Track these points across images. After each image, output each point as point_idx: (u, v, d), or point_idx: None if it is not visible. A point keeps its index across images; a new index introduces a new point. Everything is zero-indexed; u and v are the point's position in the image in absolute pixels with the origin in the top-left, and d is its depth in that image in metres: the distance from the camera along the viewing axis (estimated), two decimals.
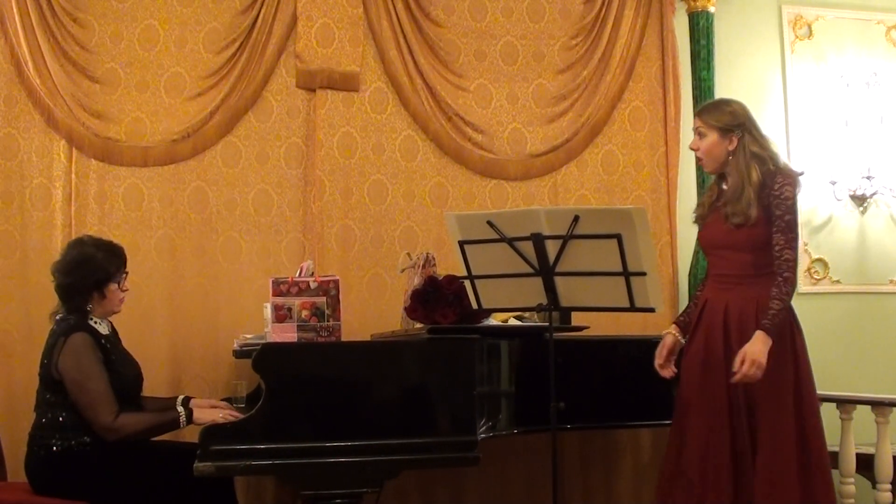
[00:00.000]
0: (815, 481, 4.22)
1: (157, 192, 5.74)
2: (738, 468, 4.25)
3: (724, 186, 4.46)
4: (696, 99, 6.32)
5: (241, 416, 4.53)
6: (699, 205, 4.66)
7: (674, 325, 4.57)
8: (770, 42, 6.90)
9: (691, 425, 4.36)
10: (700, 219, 4.59)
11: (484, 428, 4.41)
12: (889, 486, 5.04)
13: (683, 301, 6.22)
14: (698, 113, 4.56)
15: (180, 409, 4.54)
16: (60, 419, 4.38)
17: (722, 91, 6.35)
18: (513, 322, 5.01)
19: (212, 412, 4.55)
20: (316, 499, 4.22)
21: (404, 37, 6.09)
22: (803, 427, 4.25)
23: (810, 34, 6.96)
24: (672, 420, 4.53)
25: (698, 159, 4.61)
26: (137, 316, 5.50)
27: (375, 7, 6.08)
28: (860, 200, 6.80)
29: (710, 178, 6.05)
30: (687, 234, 6.29)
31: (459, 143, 6.16)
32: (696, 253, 6.18)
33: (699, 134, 4.46)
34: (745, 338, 4.18)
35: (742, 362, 4.08)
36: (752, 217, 4.29)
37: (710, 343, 4.35)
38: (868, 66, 6.95)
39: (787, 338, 4.27)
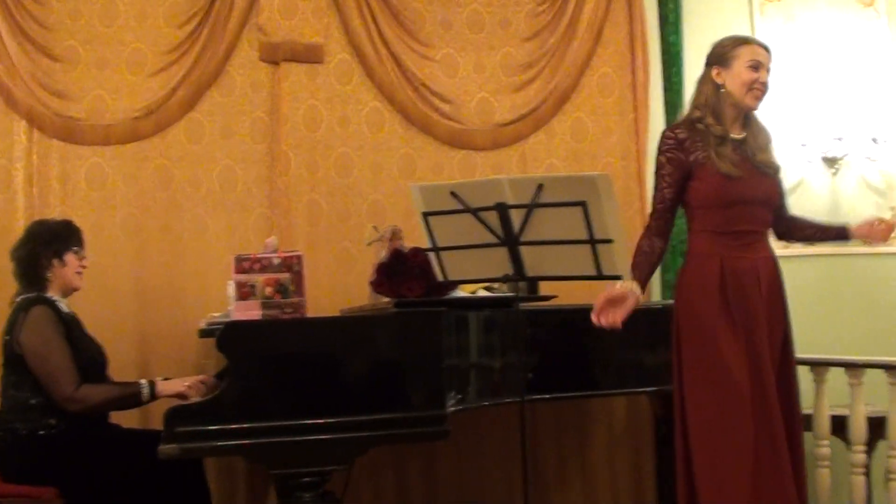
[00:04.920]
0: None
1: (120, 171, 5.66)
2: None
3: (736, 136, 4.27)
4: (665, 64, 6.28)
5: (208, 378, 4.52)
6: (720, 157, 4.18)
7: (636, 284, 4.15)
8: (739, 4, 6.83)
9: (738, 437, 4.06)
10: (728, 172, 4.16)
11: (454, 401, 4.36)
12: (863, 448, 5.04)
13: None
14: (768, 48, 4.36)
15: (143, 381, 4.50)
16: (26, 402, 4.36)
17: (691, 55, 6.30)
18: (482, 293, 4.97)
19: (175, 382, 4.52)
20: (285, 477, 4.20)
21: (368, 7, 6.00)
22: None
23: None
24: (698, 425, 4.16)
25: (760, 95, 4.30)
26: (103, 297, 5.44)
27: None
28: (831, 163, 6.75)
29: None
30: None
31: (426, 113, 6.08)
32: None
33: (768, 70, 4.30)
34: (775, 305, 4.18)
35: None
36: (779, 167, 4.32)
37: (750, 316, 4.14)
38: (838, 26, 6.90)
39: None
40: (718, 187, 4.17)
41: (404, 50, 6.08)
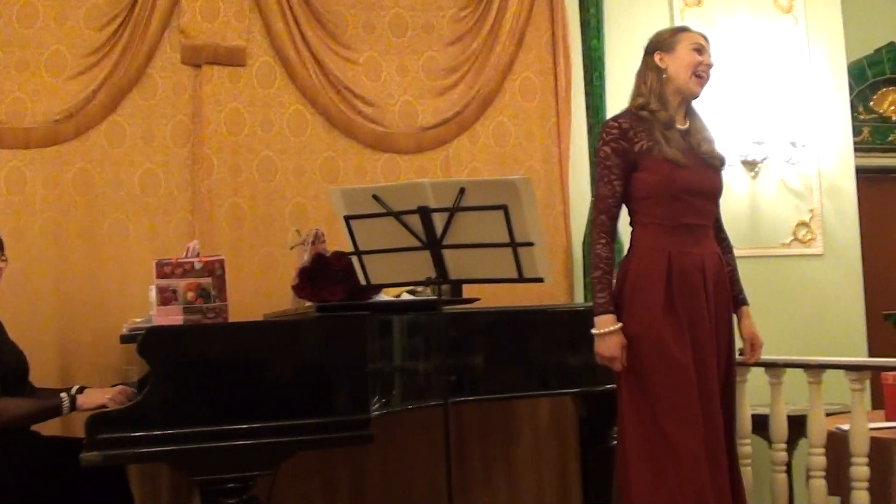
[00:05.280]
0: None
1: (40, 175, 5.58)
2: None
3: (682, 126, 4.21)
4: (587, 68, 6.31)
5: (132, 391, 4.47)
6: (668, 141, 4.11)
7: (613, 317, 4.06)
8: (660, 9, 6.93)
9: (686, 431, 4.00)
10: (675, 159, 4.09)
11: (378, 405, 4.36)
12: (784, 446, 5.09)
13: (578, 269, 6.25)
14: (707, 38, 4.30)
15: (64, 394, 4.44)
16: None
17: (612, 60, 6.35)
18: (405, 296, 4.98)
19: (96, 393, 4.46)
20: (209, 484, 4.15)
21: (291, 9, 5.98)
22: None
23: (699, 2, 6.99)
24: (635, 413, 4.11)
25: (704, 78, 4.24)
26: (23, 303, 5.37)
27: None
28: (751, 165, 6.86)
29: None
30: (580, 204, 6.31)
31: (349, 116, 6.07)
32: (589, 222, 6.18)
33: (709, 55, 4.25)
34: (720, 302, 4.15)
35: (754, 348, 4.29)
36: (724, 160, 4.31)
37: (695, 311, 4.07)
38: (758, 33, 7.01)
39: None
40: (666, 176, 4.07)
41: (327, 53, 6.06)
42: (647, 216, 4.14)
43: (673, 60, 4.19)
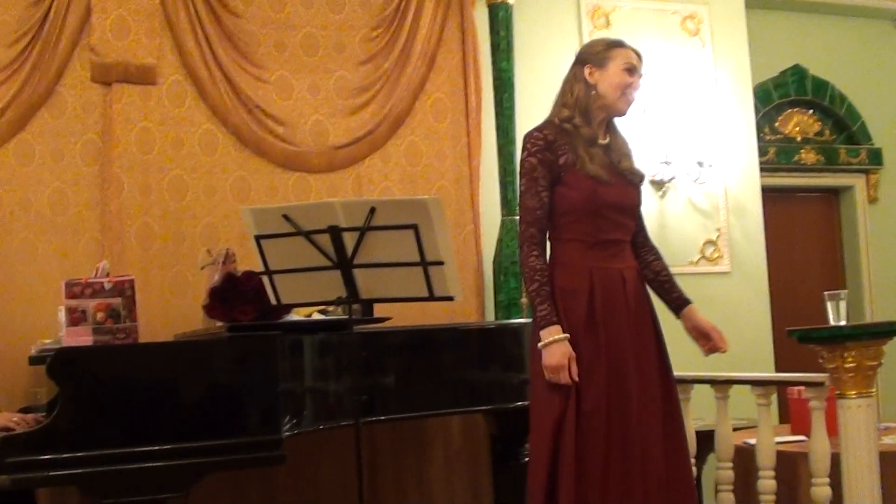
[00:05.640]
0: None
1: None
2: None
3: (603, 141, 4.04)
4: (497, 90, 6.39)
5: (39, 416, 4.42)
6: (590, 157, 3.96)
7: (558, 328, 3.87)
8: (569, 33, 7.03)
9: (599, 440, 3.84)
10: (598, 175, 3.94)
11: (289, 425, 4.35)
12: (693, 461, 5.12)
13: (489, 288, 6.30)
14: (641, 56, 4.15)
15: None
16: None
17: (523, 82, 6.44)
18: (316, 316, 4.98)
19: (2, 416, 4.40)
20: None
21: (202, 28, 5.97)
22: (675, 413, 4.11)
23: (608, 24, 7.10)
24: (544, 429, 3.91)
25: (632, 99, 4.09)
26: None
27: None
28: (659, 185, 6.98)
29: (513, 166, 6.19)
30: (490, 223, 6.37)
31: (260, 135, 6.07)
32: (499, 241, 6.25)
33: (640, 76, 4.12)
34: (642, 315, 4.00)
35: (718, 336, 4.11)
36: (643, 176, 4.21)
37: (616, 327, 3.92)
38: (666, 55, 7.13)
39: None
40: (589, 193, 3.93)
41: (238, 72, 6.05)
42: (568, 232, 3.99)
43: (603, 77, 4.02)
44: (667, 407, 4.01)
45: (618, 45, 4.12)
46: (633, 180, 4.09)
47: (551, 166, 3.94)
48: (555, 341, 3.81)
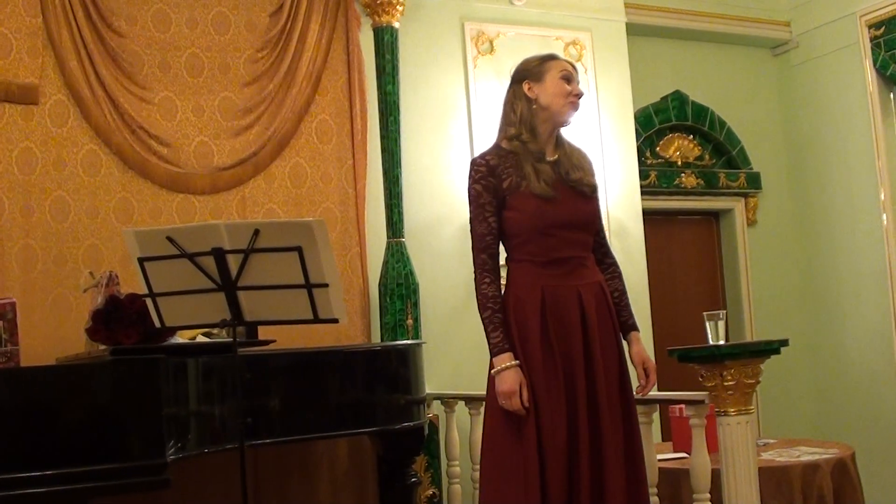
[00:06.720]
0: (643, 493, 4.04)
1: None
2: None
3: (551, 158, 4.04)
4: (382, 113, 6.45)
5: None
6: (538, 173, 3.97)
7: (510, 355, 3.89)
8: (454, 57, 7.09)
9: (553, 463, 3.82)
10: (543, 193, 3.94)
11: (174, 449, 4.30)
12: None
13: (374, 310, 6.33)
14: (575, 66, 4.18)
15: None
16: None
17: (408, 105, 6.52)
18: (200, 339, 4.95)
19: None
20: None
21: (85, 48, 5.91)
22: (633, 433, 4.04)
23: (492, 50, 7.17)
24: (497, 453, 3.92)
25: (576, 106, 4.11)
26: None
27: (55, 17, 5.86)
28: None
29: (399, 189, 6.25)
30: (376, 244, 6.40)
31: (144, 156, 6.02)
32: (385, 263, 6.29)
33: (578, 83, 4.13)
34: (605, 332, 3.96)
35: (647, 373, 4.02)
36: (596, 186, 4.13)
37: (570, 347, 3.90)
38: None
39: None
40: (534, 213, 3.94)
41: (122, 92, 6.00)
42: (519, 252, 4.01)
43: (543, 89, 4.04)
44: (626, 427, 3.99)
45: (551, 57, 4.16)
46: (582, 192, 4.05)
47: (496, 191, 3.96)
48: (507, 368, 3.84)
